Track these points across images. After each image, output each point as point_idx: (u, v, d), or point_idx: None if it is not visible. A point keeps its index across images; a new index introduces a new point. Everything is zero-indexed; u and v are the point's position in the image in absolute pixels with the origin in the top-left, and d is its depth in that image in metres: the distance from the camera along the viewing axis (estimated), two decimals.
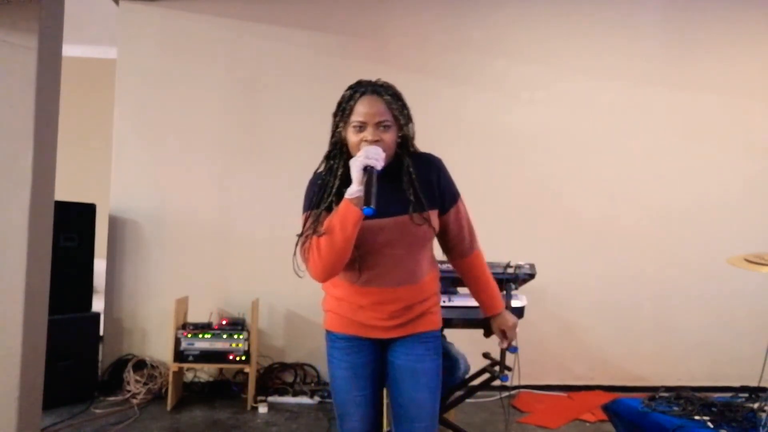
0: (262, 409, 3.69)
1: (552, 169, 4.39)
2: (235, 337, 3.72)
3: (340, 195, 1.64)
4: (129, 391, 3.81)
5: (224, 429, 3.40)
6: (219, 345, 3.71)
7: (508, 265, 2.76)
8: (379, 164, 1.58)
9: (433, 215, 1.73)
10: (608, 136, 4.44)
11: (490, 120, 4.29)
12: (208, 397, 3.93)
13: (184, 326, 3.75)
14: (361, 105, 1.67)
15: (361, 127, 1.66)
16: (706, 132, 4.48)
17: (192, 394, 3.97)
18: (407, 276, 1.75)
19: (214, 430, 3.38)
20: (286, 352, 4.24)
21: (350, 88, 1.74)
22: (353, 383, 1.78)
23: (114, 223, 4.18)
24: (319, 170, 1.79)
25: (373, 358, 1.80)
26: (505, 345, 1.97)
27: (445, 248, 1.88)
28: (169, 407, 3.63)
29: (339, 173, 1.71)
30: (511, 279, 2.74)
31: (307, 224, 1.71)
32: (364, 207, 1.52)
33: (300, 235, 1.71)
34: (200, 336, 3.69)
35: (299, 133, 4.23)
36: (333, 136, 1.78)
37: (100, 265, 4.05)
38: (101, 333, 3.94)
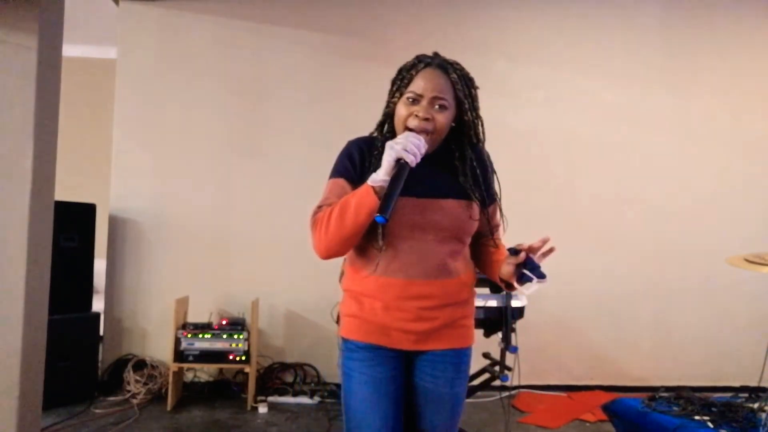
0: (262, 409, 3.68)
1: (551, 168, 4.39)
2: (235, 337, 3.72)
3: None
4: (129, 391, 3.81)
5: (224, 429, 3.40)
6: (219, 345, 3.70)
7: None
8: (415, 160, 1.40)
9: (477, 208, 1.57)
10: (608, 136, 4.43)
11: (489, 120, 4.27)
12: (208, 397, 3.93)
13: (184, 326, 3.75)
14: (422, 77, 1.49)
15: (415, 100, 1.49)
16: (707, 132, 4.48)
17: (192, 394, 3.97)
18: (440, 269, 1.51)
19: (214, 430, 3.38)
20: (286, 352, 4.24)
21: (415, 57, 1.56)
22: (374, 403, 1.51)
23: (114, 223, 4.18)
24: (368, 136, 1.61)
25: (399, 373, 1.55)
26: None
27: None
28: (169, 407, 3.63)
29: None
30: None
31: (328, 193, 1.54)
32: (377, 214, 1.34)
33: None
34: (200, 336, 3.69)
35: (299, 132, 4.24)
36: (387, 106, 1.58)
37: (100, 265, 4.05)
38: (101, 333, 3.94)
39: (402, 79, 1.53)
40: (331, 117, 4.21)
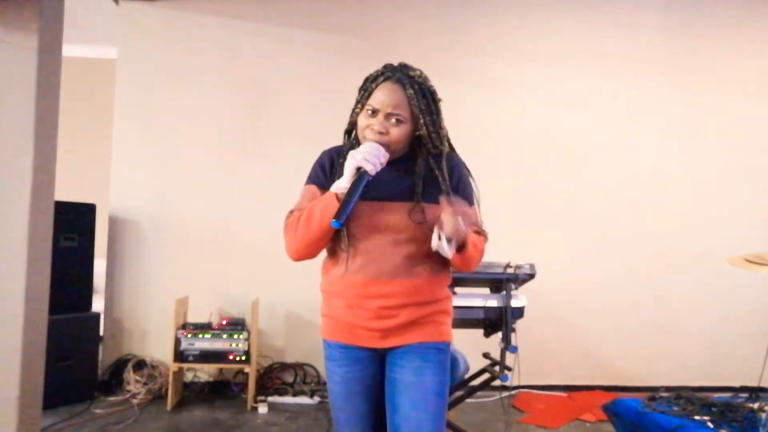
0: (262, 409, 3.69)
1: (551, 168, 4.39)
2: (235, 337, 3.72)
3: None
4: (129, 391, 3.81)
5: (224, 429, 3.40)
6: (219, 345, 3.70)
7: (508, 265, 2.77)
8: (375, 169, 1.49)
9: (438, 209, 1.57)
10: (608, 136, 4.44)
11: (489, 120, 4.29)
12: (208, 397, 3.93)
13: (184, 326, 3.75)
14: (380, 91, 1.57)
15: (374, 112, 1.57)
16: (707, 131, 4.49)
17: (192, 394, 3.97)
18: (397, 269, 1.57)
19: (214, 430, 3.38)
20: (286, 352, 4.24)
21: (383, 67, 1.62)
22: (348, 399, 1.63)
23: (114, 223, 4.18)
24: (340, 146, 1.69)
25: (371, 372, 1.64)
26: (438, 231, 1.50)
27: None
28: (169, 407, 3.63)
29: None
30: (511, 279, 2.75)
31: (300, 198, 1.65)
32: (333, 219, 1.46)
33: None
34: (200, 336, 3.69)
35: (299, 132, 4.24)
36: (351, 114, 1.65)
37: (100, 265, 4.05)
38: (101, 333, 3.94)
39: (365, 90, 1.60)
40: (331, 117, 4.17)
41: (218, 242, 4.24)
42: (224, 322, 3.82)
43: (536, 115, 4.38)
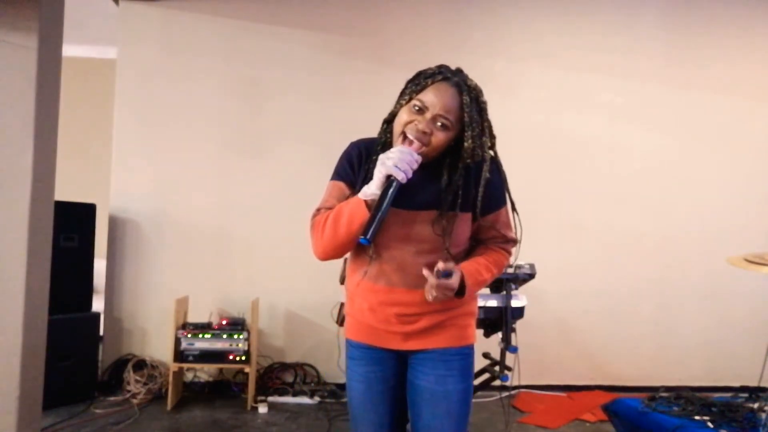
0: (262, 409, 3.68)
1: (552, 168, 4.39)
2: (235, 337, 3.72)
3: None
4: (129, 391, 3.81)
5: (224, 429, 3.40)
6: (219, 345, 3.70)
7: (508, 265, 2.76)
8: (406, 177, 1.40)
9: (464, 218, 1.56)
10: (608, 136, 4.43)
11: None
12: (208, 397, 3.93)
13: (184, 326, 3.75)
14: (434, 89, 1.47)
15: (421, 110, 1.46)
16: (707, 132, 4.48)
17: (192, 394, 3.97)
18: (419, 279, 1.50)
19: (214, 430, 3.38)
20: (286, 352, 4.24)
21: (438, 66, 1.53)
22: (368, 399, 1.62)
23: (114, 223, 4.18)
24: (370, 138, 1.61)
25: (393, 373, 1.62)
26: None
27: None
28: (169, 407, 3.63)
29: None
30: (511, 279, 2.75)
31: (327, 196, 1.59)
32: (361, 236, 1.38)
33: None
34: (200, 336, 3.69)
35: (299, 132, 4.24)
36: (396, 105, 1.55)
37: (100, 265, 4.05)
38: (101, 333, 3.93)
39: (417, 84, 1.51)
40: (331, 117, 4.21)
41: (218, 242, 4.24)
42: (224, 322, 3.82)
43: (537, 115, 4.38)
